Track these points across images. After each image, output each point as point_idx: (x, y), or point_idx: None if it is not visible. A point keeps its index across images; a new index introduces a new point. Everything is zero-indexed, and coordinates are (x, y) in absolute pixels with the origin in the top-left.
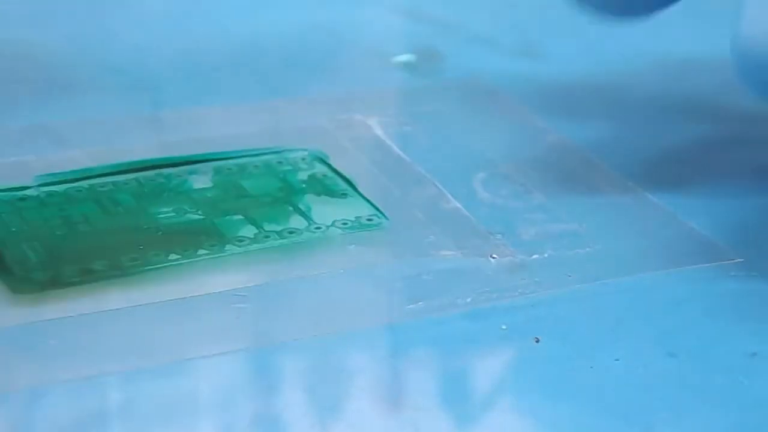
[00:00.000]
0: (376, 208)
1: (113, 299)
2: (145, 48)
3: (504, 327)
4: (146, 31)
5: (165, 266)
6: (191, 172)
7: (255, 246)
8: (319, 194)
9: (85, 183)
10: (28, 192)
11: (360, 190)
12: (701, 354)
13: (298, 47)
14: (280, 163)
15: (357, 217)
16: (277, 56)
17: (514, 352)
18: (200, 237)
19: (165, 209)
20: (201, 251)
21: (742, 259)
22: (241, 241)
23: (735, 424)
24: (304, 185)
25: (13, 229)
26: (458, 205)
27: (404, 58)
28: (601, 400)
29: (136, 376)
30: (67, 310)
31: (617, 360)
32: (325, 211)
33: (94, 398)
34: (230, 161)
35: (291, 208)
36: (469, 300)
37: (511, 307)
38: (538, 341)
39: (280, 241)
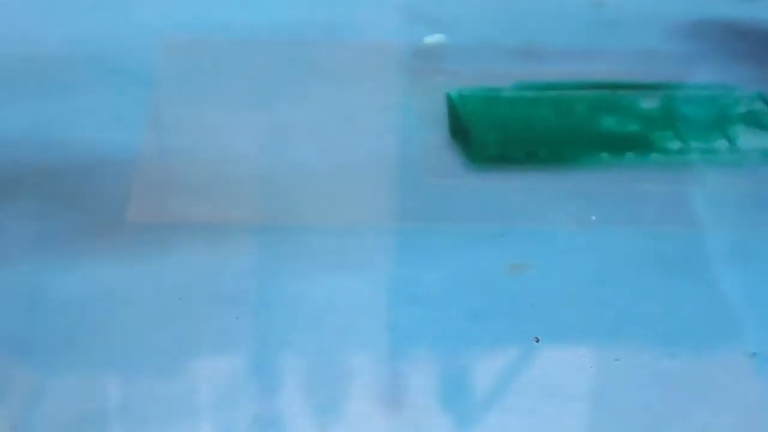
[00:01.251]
0: None
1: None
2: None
3: (594, 218)
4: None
5: (595, 161)
6: (644, 95)
7: (676, 157)
8: (750, 126)
9: (552, 93)
10: (503, 93)
11: None
12: (701, 354)
13: None
14: (724, 97)
15: None
16: None
17: (514, 352)
18: (632, 143)
19: (610, 119)
20: (628, 154)
21: None
22: (665, 151)
23: (735, 424)
24: (739, 117)
25: (482, 117)
26: None
27: (434, 38)
28: (601, 400)
29: None
30: (508, 180)
31: (617, 360)
32: (752, 141)
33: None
34: (681, 91)
35: (719, 133)
36: None
37: (512, 307)
38: (538, 341)
39: (700, 156)
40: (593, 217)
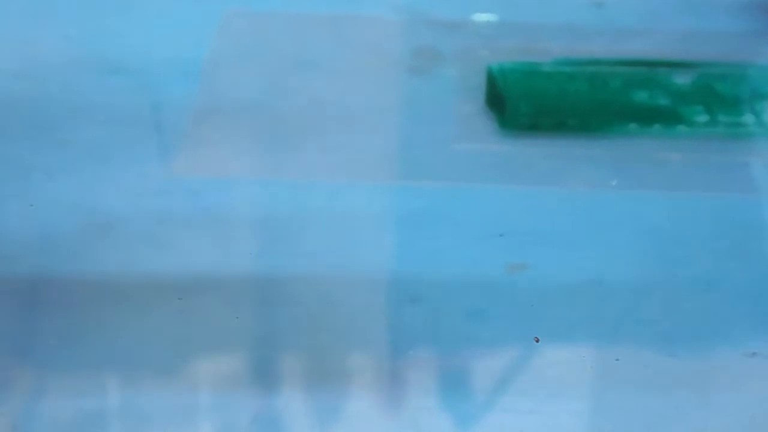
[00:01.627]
0: None
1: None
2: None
3: (614, 183)
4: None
5: (623, 131)
6: (677, 72)
7: (702, 130)
8: None
9: (590, 68)
10: (542, 67)
11: None
12: (701, 354)
13: None
14: (757, 75)
15: None
16: None
17: (514, 352)
18: (660, 116)
19: (642, 93)
20: (656, 125)
21: None
22: (692, 124)
23: (735, 424)
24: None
25: (518, 88)
26: None
27: (483, 16)
28: (601, 400)
29: None
30: (537, 146)
31: (617, 360)
32: None
33: None
34: (715, 68)
35: (747, 108)
36: None
37: (511, 307)
38: (538, 341)
39: (725, 129)
40: (614, 182)
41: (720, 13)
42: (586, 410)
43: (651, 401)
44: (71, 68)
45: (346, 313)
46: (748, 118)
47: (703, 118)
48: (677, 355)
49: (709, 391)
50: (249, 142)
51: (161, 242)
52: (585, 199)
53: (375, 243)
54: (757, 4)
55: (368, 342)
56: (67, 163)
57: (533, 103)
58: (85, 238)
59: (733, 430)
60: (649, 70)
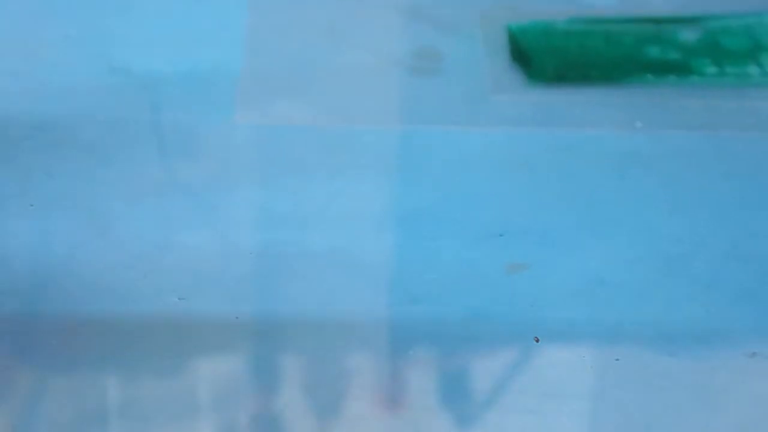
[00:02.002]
0: None
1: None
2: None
3: (639, 125)
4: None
5: (642, 81)
6: (685, 27)
7: (712, 80)
8: None
9: (601, 26)
10: (557, 25)
11: None
12: (701, 354)
13: None
14: (759, 26)
15: None
16: None
17: (514, 352)
18: (674, 68)
19: (654, 49)
20: (670, 76)
21: None
22: (703, 75)
23: (735, 424)
24: None
25: (541, 45)
26: None
27: None
28: (601, 400)
29: None
30: (562, 94)
31: (617, 360)
32: None
33: None
34: (719, 22)
35: (752, 59)
36: None
37: (511, 307)
38: (538, 341)
39: (733, 80)
40: (638, 124)
41: None
42: (586, 410)
43: (651, 401)
44: (71, 68)
45: (346, 313)
46: (753, 70)
47: (712, 70)
48: (677, 355)
49: (709, 391)
50: None
51: (161, 242)
52: (585, 199)
53: (375, 243)
54: None
55: (368, 342)
56: (67, 163)
57: (558, 57)
58: (85, 238)
59: (733, 430)
60: (657, 27)
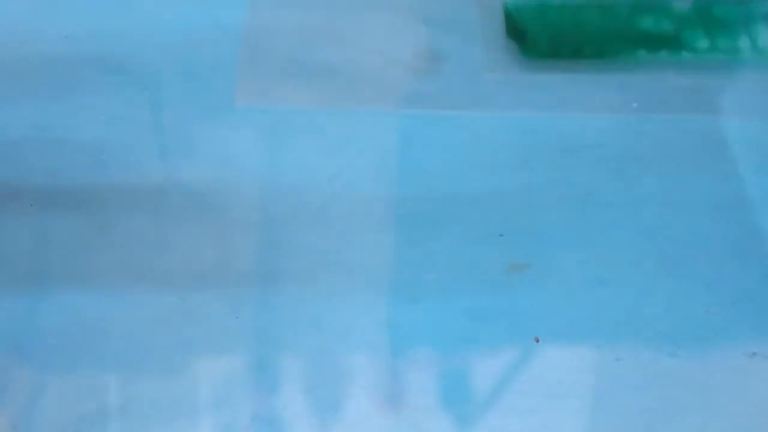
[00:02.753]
0: None
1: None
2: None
3: (635, 105)
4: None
5: (634, 57)
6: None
7: (704, 55)
8: None
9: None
10: (552, 1)
11: None
12: (701, 354)
13: None
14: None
15: None
16: None
17: (514, 352)
18: (665, 42)
19: (647, 19)
20: (662, 52)
21: None
22: (695, 50)
23: (735, 424)
24: (764, 18)
25: (535, 20)
26: None
27: None
28: (601, 400)
29: None
30: (557, 71)
31: (617, 360)
32: None
33: None
34: None
35: (744, 32)
36: None
37: (512, 307)
38: (538, 341)
39: (725, 54)
40: (634, 105)
41: None
42: (586, 410)
43: (651, 401)
44: (71, 68)
45: (346, 312)
46: (744, 42)
47: (703, 43)
48: (677, 355)
49: (709, 391)
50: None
51: (161, 242)
52: (585, 198)
53: (375, 242)
54: None
55: (368, 342)
56: (67, 163)
57: (551, 32)
58: (85, 238)
59: (733, 430)
60: None
